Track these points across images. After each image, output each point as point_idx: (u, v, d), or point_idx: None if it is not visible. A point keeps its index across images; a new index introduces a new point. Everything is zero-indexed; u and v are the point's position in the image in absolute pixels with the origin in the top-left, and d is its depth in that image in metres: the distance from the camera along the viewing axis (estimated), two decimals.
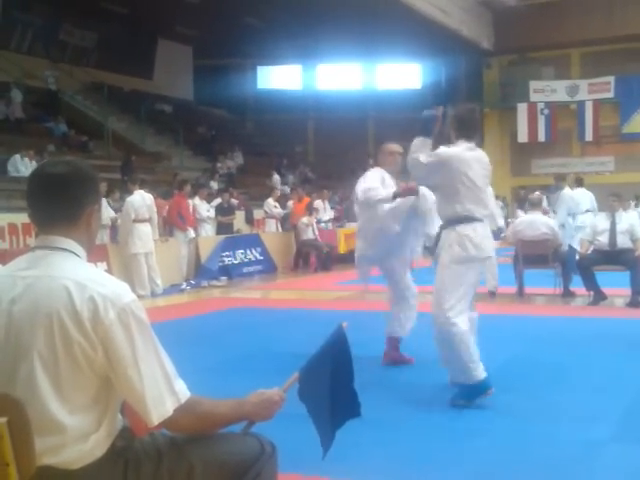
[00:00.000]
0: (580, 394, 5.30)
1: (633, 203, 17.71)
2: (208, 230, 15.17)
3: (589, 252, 10.13)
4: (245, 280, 14.64)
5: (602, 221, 10.23)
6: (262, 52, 29.36)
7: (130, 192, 12.32)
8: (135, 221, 11.91)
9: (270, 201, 17.85)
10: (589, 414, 4.79)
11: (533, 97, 28.05)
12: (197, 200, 14.76)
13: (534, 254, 10.39)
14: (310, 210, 16.57)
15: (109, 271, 11.37)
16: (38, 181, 2.16)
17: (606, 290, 9.85)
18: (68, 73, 23.42)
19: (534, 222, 10.58)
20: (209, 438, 2.22)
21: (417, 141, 5.04)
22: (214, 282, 13.61)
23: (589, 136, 27.76)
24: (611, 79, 27.26)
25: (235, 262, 14.95)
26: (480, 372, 4.82)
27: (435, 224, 5.55)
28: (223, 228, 15.68)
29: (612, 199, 10.30)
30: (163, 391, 2.06)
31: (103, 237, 12.92)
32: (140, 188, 12.38)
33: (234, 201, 17.02)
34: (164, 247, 13.03)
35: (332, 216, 19.39)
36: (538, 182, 23.91)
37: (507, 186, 27.37)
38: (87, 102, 23.28)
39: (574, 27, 25.94)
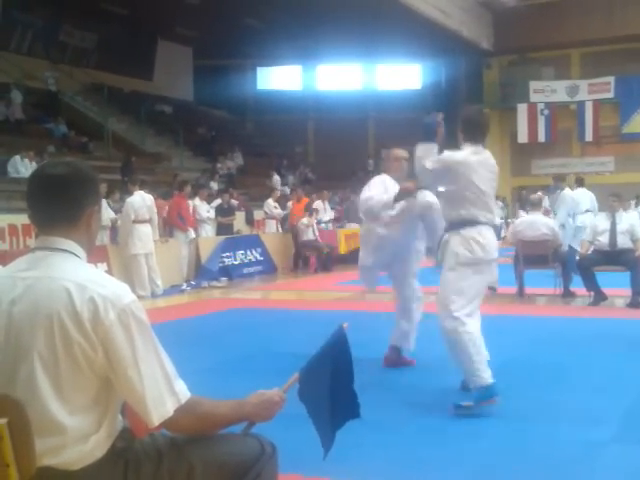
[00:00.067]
0: (580, 394, 5.30)
1: (633, 203, 17.71)
2: (208, 231, 15.16)
3: (589, 252, 10.13)
4: (245, 281, 14.64)
5: (602, 221, 10.23)
6: (262, 53, 29.37)
7: (130, 193, 12.32)
8: (135, 222, 11.91)
9: (270, 202, 17.85)
10: (589, 414, 4.79)
11: (533, 97, 28.05)
12: (197, 201, 14.76)
13: (534, 254, 10.39)
14: (309, 210, 16.57)
15: (109, 272, 11.37)
16: (38, 182, 2.16)
17: (606, 290, 9.85)
18: (68, 74, 23.43)
19: (534, 222, 10.58)
20: (209, 439, 2.22)
21: (422, 147, 5.02)
22: (214, 283, 13.62)
23: (589, 136, 27.76)
24: (611, 79, 27.25)
25: (235, 263, 14.96)
26: (487, 377, 4.73)
27: (439, 229, 5.55)
28: (223, 229, 15.68)
29: (612, 199, 10.30)
30: (163, 392, 2.06)
31: (103, 238, 12.91)
32: (140, 189, 12.38)
33: (234, 202, 17.02)
34: (164, 248, 13.03)
35: (332, 217, 19.40)
36: (538, 182, 23.91)
37: (507, 186, 27.38)
38: (87, 103, 23.28)
39: (574, 27, 25.95)
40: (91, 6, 22.93)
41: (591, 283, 9.87)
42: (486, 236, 4.86)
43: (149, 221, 12.16)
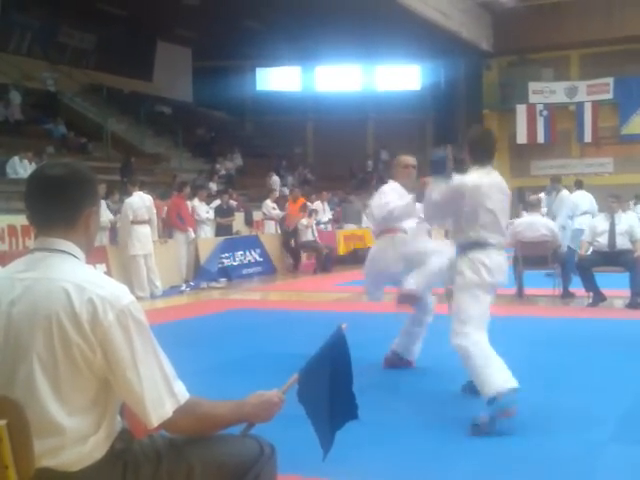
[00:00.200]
0: (580, 395, 5.31)
1: (632, 202, 17.69)
2: (207, 232, 15.15)
3: (588, 253, 10.13)
4: (244, 282, 14.64)
5: (601, 222, 10.24)
6: (261, 54, 29.37)
7: (129, 194, 12.32)
8: (134, 222, 11.90)
9: (268, 202, 17.83)
10: (589, 415, 4.79)
11: (532, 98, 28.06)
12: (196, 201, 14.76)
13: (533, 255, 10.39)
14: (305, 211, 16.53)
15: (108, 273, 11.37)
16: (36, 183, 2.16)
17: (605, 291, 9.85)
18: (67, 75, 23.41)
19: (533, 223, 10.59)
20: (208, 440, 2.22)
21: (432, 185, 4.99)
22: (213, 284, 13.61)
23: (588, 137, 27.77)
24: (610, 80, 27.27)
25: (234, 264, 14.95)
26: (498, 385, 4.50)
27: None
28: (222, 229, 15.67)
29: (611, 200, 10.31)
30: (162, 393, 2.06)
31: (102, 239, 12.91)
32: (140, 190, 12.37)
33: (233, 202, 17.01)
34: (163, 248, 13.03)
35: (331, 217, 19.41)
36: (537, 183, 23.90)
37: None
38: (86, 104, 23.27)
39: (573, 29, 25.96)
40: (90, 7, 22.92)
41: (590, 284, 9.88)
42: (494, 259, 4.77)
43: (148, 222, 12.16)
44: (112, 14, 23.91)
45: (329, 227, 18.75)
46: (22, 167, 15.71)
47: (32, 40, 23.71)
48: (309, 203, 17.53)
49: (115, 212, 13.10)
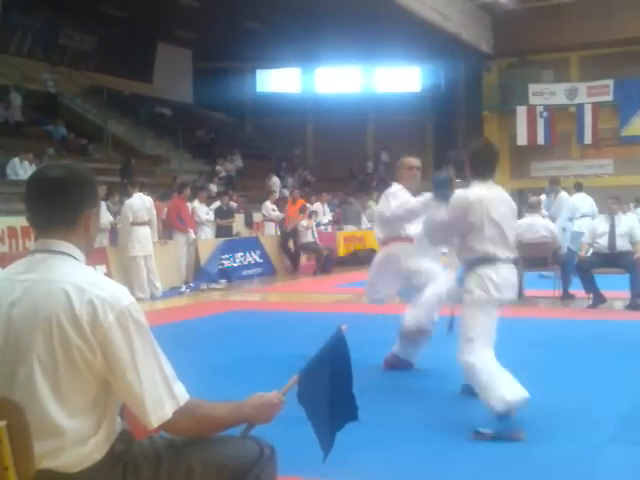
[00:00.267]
0: (579, 396, 5.30)
1: (632, 205, 17.70)
2: (207, 233, 15.16)
3: (588, 255, 10.13)
4: (244, 283, 14.64)
5: (601, 224, 10.24)
6: (261, 55, 29.37)
7: (129, 195, 12.32)
8: (134, 224, 11.90)
9: (268, 204, 17.81)
10: (588, 416, 4.80)
11: (532, 100, 28.06)
12: (196, 203, 14.76)
13: (533, 257, 10.39)
14: (304, 212, 16.51)
15: (108, 274, 11.38)
16: (36, 185, 2.17)
17: (605, 293, 9.85)
18: (67, 76, 23.43)
19: (533, 225, 10.58)
20: (208, 441, 2.22)
21: (432, 209, 5.03)
22: (213, 285, 13.62)
23: (588, 139, 27.76)
24: (610, 82, 27.26)
25: (234, 265, 14.95)
26: (503, 406, 4.39)
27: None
28: (222, 231, 15.68)
29: (611, 202, 10.31)
30: (162, 394, 2.06)
31: (102, 240, 12.91)
32: (140, 191, 12.38)
33: (233, 204, 17.02)
34: (163, 250, 13.03)
35: (331, 219, 19.41)
36: (538, 185, 23.88)
37: (506, 189, 26.64)
38: (86, 105, 23.29)
39: (573, 30, 25.96)
40: (91, 9, 22.92)
41: (590, 285, 9.88)
42: (503, 275, 4.69)
43: (148, 223, 12.16)
44: (112, 16, 23.92)
45: (329, 228, 18.75)
46: (22, 168, 15.72)
47: (33, 41, 23.73)
48: (308, 205, 17.50)
49: (115, 213, 13.11)
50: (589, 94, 27.62)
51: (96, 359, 2.02)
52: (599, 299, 9.85)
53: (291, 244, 16.54)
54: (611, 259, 9.89)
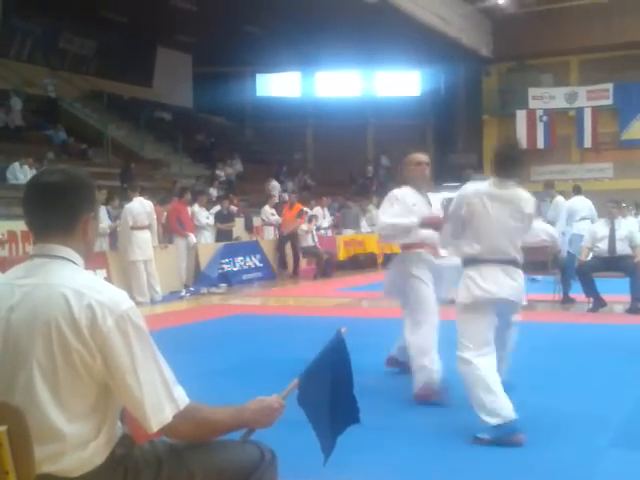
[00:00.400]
0: (580, 400, 5.30)
1: (634, 211, 17.69)
2: (207, 237, 15.15)
3: (588, 259, 10.13)
4: (244, 287, 14.63)
5: (601, 228, 10.25)
6: (261, 60, 29.39)
7: (129, 199, 12.33)
8: (134, 228, 11.91)
9: (267, 208, 17.79)
10: (589, 420, 4.79)
11: (532, 104, 28.08)
12: (196, 207, 14.76)
13: (534, 261, 10.37)
14: (301, 216, 16.49)
15: (108, 278, 11.37)
16: (34, 190, 2.17)
17: (605, 297, 9.86)
18: (67, 81, 23.45)
19: (533, 229, 10.51)
20: (209, 445, 2.21)
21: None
22: (213, 289, 13.61)
23: (588, 143, 27.78)
24: (610, 86, 27.28)
25: (234, 269, 14.94)
26: (494, 418, 4.35)
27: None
28: (222, 235, 15.67)
29: (611, 206, 10.32)
30: (162, 398, 2.06)
31: (102, 244, 12.92)
32: (140, 195, 12.38)
33: (234, 208, 17.01)
34: (163, 254, 13.03)
35: (331, 223, 19.41)
36: (537, 189, 23.84)
37: None
38: (86, 110, 23.30)
39: (573, 34, 25.99)
40: (91, 13, 22.95)
41: (590, 289, 9.88)
42: (486, 273, 4.57)
43: (148, 227, 12.17)
44: (112, 20, 23.95)
45: (329, 232, 18.75)
46: (22, 173, 15.72)
47: (33, 46, 23.76)
48: (306, 209, 17.45)
49: (115, 218, 13.11)
50: (589, 98, 27.63)
51: (96, 363, 2.01)
52: (599, 303, 9.85)
53: (288, 248, 16.51)
54: (611, 263, 9.89)
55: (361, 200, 22.21)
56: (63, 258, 2.12)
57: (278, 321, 10.02)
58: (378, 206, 20.93)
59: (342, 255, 17.77)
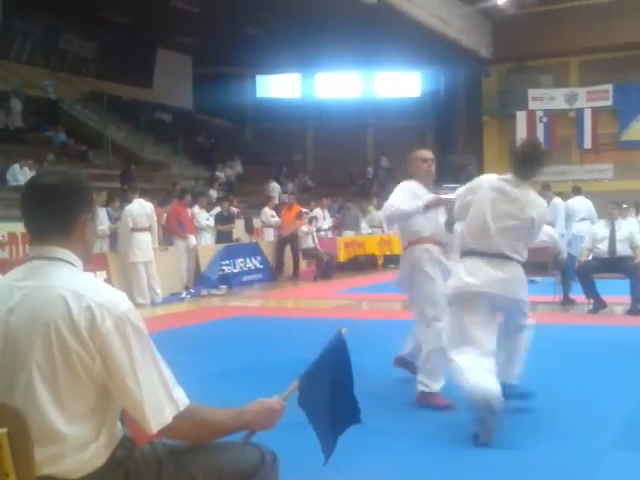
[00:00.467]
0: (580, 402, 5.30)
1: (634, 212, 17.68)
2: (207, 239, 15.15)
3: (589, 260, 10.13)
4: (245, 289, 14.63)
5: (601, 229, 10.24)
6: (261, 61, 29.41)
7: (129, 201, 12.33)
8: (134, 230, 11.91)
9: (266, 210, 17.77)
10: (589, 422, 4.79)
11: (532, 105, 28.09)
12: (196, 209, 14.75)
13: (534, 262, 10.37)
14: (300, 218, 16.46)
15: (109, 280, 11.38)
16: (31, 192, 2.18)
17: (606, 298, 9.85)
18: (67, 82, 23.47)
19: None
20: (209, 448, 2.21)
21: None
22: (214, 291, 13.61)
23: (588, 144, 27.79)
24: (609, 87, 27.29)
25: (234, 271, 14.94)
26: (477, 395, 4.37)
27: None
28: (223, 237, 15.66)
29: (611, 207, 10.32)
30: (162, 399, 2.06)
31: (102, 246, 12.92)
32: (140, 197, 12.38)
33: (234, 209, 16.99)
34: (164, 256, 13.02)
35: (331, 224, 19.40)
36: (537, 190, 23.87)
37: None
38: (86, 111, 23.32)
39: (573, 35, 26.00)
40: (91, 14, 22.97)
41: (590, 290, 9.87)
42: (469, 268, 4.57)
43: (148, 229, 12.16)
44: (112, 21, 23.97)
45: (329, 234, 18.75)
46: (22, 174, 15.72)
47: (33, 47, 23.78)
48: (305, 210, 17.42)
49: (115, 219, 13.11)
50: (588, 99, 27.65)
51: (95, 365, 2.01)
52: (599, 304, 9.85)
53: (287, 251, 16.45)
54: (611, 264, 9.88)
55: (361, 201, 22.21)
56: (62, 260, 2.12)
57: (278, 323, 10.02)
58: (378, 207, 21.06)
59: (342, 257, 17.75)
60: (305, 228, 16.26)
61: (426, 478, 3.94)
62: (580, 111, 27.71)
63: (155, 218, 12.48)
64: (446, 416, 4.97)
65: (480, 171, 24.18)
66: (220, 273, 14.24)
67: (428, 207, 5.29)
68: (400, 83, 31.78)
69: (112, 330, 2.01)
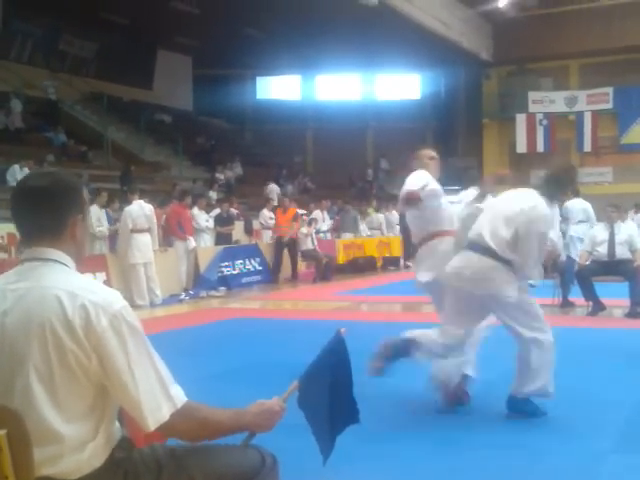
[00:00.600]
0: (579, 405, 5.29)
1: (632, 211, 17.67)
2: (207, 240, 15.14)
3: (588, 262, 10.13)
4: (244, 290, 14.62)
5: (601, 232, 10.24)
6: (261, 62, 29.43)
7: (129, 202, 12.32)
8: (133, 231, 11.90)
9: (265, 212, 17.75)
10: (589, 425, 4.78)
11: (532, 108, 28.11)
12: (196, 210, 14.75)
13: None
14: (296, 220, 16.42)
15: (108, 281, 11.38)
16: (21, 194, 2.17)
17: (605, 301, 9.85)
18: (68, 83, 23.48)
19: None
20: (209, 450, 2.21)
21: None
22: (213, 292, 13.60)
23: (588, 147, 27.80)
24: (609, 90, 27.31)
25: (234, 272, 14.93)
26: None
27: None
28: (222, 238, 15.66)
29: (610, 210, 10.31)
30: (159, 396, 2.05)
31: (102, 247, 12.92)
32: (139, 198, 12.37)
33: (233, 211, 16.98)
34: (163, 257, 13.02)
35: (331, 226, 19.41)
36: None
37: None
38: (86, 112, 23.33)
39: (573, 38, 26.03)
40: (91, 15, 22.98)
41: (590, 293, 9.87)
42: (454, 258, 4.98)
43: (148, 230, 12.15)
44: (112, 22, 23.97)
45: (328, 236, 18.75)
46: (22, 175, 15.68)
47: (33, 48, 23.79)
48: (302, 211, 17.36)
49: (115, 220, 13.10)
50: (588, 102, 27.67)
51: (91, 364, 2.01)
52: (598, 307, 9.85)
53: (286, 254, 16.37)
54: (611, 267, 9.89)
55: (360, 203, 22.22)
56: (55, 261, 2.12)
57: (277, 324, 10.02)
58: (378, 210, 21.04)
59: (341, 259, 17.77)
60: (305, 230, 16.25)
61: (426, 478, 3.94)
62: (580, 114, 27.74)
63: (155, 220, 12.47)
64: (446, 416, 4.97)
65: (480, 174, 24.24)
66: (219, 274, 14.24)
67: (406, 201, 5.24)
68: (400, 85, 31.81)
69: (107, 328, 2.01)
